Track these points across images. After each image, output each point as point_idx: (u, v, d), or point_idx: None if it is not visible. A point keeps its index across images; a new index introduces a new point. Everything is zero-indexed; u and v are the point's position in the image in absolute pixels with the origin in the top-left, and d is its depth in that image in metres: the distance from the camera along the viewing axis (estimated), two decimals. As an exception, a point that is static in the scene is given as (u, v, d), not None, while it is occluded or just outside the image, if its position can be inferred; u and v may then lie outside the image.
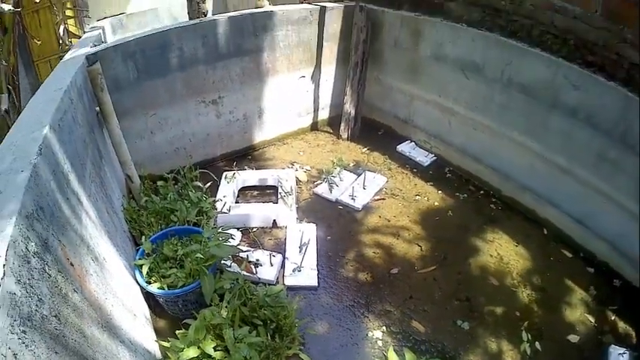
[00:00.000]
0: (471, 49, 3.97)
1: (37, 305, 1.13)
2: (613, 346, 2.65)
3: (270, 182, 3.71)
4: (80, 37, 5.97)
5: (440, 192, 3.93)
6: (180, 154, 3.83)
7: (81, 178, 2.07)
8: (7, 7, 4.39)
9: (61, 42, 5.82)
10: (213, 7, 6.38)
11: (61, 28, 5.68)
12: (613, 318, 3.03)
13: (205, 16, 3.89)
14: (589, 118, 3.28)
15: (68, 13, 5.94)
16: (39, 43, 5.75)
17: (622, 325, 2.95)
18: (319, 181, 3.90)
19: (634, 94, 3.04)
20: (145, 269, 2.43)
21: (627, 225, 3.19)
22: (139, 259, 2.51)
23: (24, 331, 1.02)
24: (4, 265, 1.02)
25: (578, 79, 3.32)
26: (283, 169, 4.02)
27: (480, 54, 3.92)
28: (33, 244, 1.25)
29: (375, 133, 4.82)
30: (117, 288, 2.04)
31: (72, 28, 5.99)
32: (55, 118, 1.92)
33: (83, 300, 1.52)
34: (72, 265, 1.53)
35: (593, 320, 2.97)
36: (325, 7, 4.33)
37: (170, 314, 2.60)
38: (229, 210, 3.20)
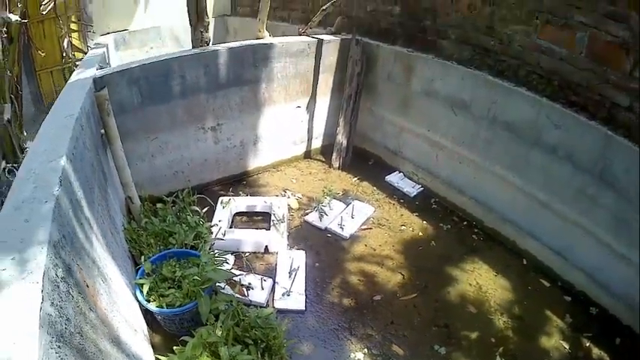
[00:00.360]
0: (460, 87, 4.15)
1: (65, 323, 1.31)
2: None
3: (264, 209, 3.88)
4: (83, 51, 6.15)
5: (425, 222, 4.09)
6: (179, 177, 4.00)
7: (90, 203, 2.24)
8: (14, 17, 4.54)
9: (64, 55, 5.97)
10: (214, 29, 6.58)
11: (65, 41, 5.85)
12: (588, 344, 3.18)
13: (208, 44, 4.06)
14: (569, 156, 3.47)
15: (73, 26, 6.13)
16: (43, 54, 5.91)
17: (596, 352, 3.12)
18: (310, 210, 4.05)
19: (613, 133, 3.22)
20: (145, 288, 2.60)
21: (605, 257, 3.36)
22: (140, 278, 2.67)
23: (59, 346, 1.20)
24: (42, 290, 1.20)
25: (560, 118, 3.51)
26: (277, 196, 4.19)
27: (468, 92, 4.11)
28: (60, 269, 1.43)
29: (366, 162, 5.00)
30: (121, 305, 2.21)
31: (75, 42, 6.17)
32: (70, 147, 2.09)
33: (97, 317, 1.70)
34: (87, 285, 1.71)
35: (567, 347, 3.11)
36: (322, 40, 4.55)
37: (165, 330, 2.75)
38: (224, 235, 3.37)
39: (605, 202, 3.30)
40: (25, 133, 5.40)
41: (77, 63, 6.13)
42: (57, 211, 1.58)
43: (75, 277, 1.58)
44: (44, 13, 4.92)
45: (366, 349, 2.80)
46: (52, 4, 4.89)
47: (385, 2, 4.82)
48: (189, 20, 4.01)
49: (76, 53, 6.13)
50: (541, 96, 3.70)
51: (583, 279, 3.60)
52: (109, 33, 6.22)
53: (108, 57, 5.26)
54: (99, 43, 5.78)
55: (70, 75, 6.31)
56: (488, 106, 3.97)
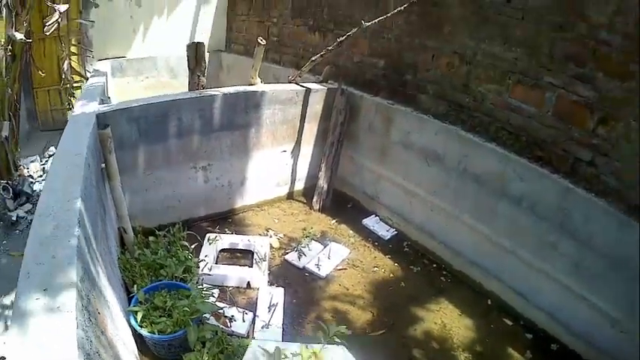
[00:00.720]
0: (435, 140, 4.45)
1: (89, 345, 1.59)
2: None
3: (247, 247, 4.16)
4: (81, 74, 6.42)
5: (396, 264, 4.38)
6: (170, 212, 4.26)
7: (97, 237, 2.53)
8: (19, 35, 4.77)
9: (63, 76, 6.18)
10: (209, 63, 6.87)
11: (65, 63, 6.08)
12: None
13: (204, 88, 4.36)
14: (532, 206, 3.75)
15: (73, 49, 6.37)
16: (43, 75, 6.13)
17: None
18: (290, 249, 4.32)
19: (574, 186, 3.56)
20: (139, 315, 2.86)
21: (565, 298, 3.65)
22: (134, 306, 2.94)
23: (87, 364, 1.49)
24: (75, 318, 1.50)
25: (525, 172, 3.81)
26: (260, 235, 4.47)
27: (441, 145, 4.41)
28: (84, 300, 1.71)
29: (345, 206, 5.30)
30: (121, 330, 2.48)
31: (74, 64, 6.41)
32: (82, 187, 2.37)
33: (106, 340, 1.97)
34: (98, 312, 1.98)
35: None
36: (310, 89, 4.90)
37: (154, 354, 3.00)
38: (210, 270, 3.65)
39: (565, 250, 3.60)
40: (19, 150, 5.61)
41: (74, 85, 6.40)
42: (78, 249, 1.87)
43: (92, 305, 1.86)
44: (47, 33, 5.13)
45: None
46: (55, 25, 5.11)
47: (371, 55, 5.18)
48: (188, 64, 4.31)
49: (74, 76, 6.37)
50: (509, 151, 4.00)
51: (544, 318, 3.84)
52: (107, 59, 6.52)
53: (107, 83, 5.55)
54: (98, 70, 6.09)
55: (67, 95, 6.57)
56: (459, 159, 4.27)
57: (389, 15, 4.63)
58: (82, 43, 6.39)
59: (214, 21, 7.40)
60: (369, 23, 4.67)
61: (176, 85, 6.99)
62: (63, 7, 5.05)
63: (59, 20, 5.09)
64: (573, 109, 3.73)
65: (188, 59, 4.26)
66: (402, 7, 4.55)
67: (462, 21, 4.34)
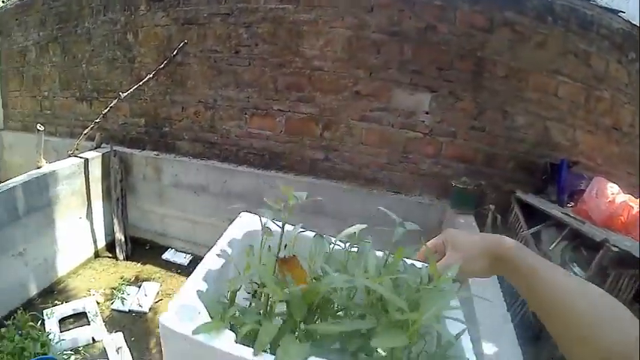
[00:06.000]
0: (198, 175, 5.41)
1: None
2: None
3: (80, 310, 4.72)
4: None
5: None
6: (5, 302, 4.54)
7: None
8: None
9: None
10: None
11: None
12: None
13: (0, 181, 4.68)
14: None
15: None
16: None
17: None
18: (113, 299, 4.96)
19: (316, 179, 4.93)
20: None
21: None
22: None
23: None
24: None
25: (273, 181, 4.98)
26: (85, 296, 4.99)
27: (204, 177, 5.38)
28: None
29: (144, 248, 6.06)
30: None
31: None
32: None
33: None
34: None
35: None
36: (88, 158, 5.45)
37: None
38: (60, 338, 4.35)
39: (324, 225, 5.15)
40: None
41: None
42: None
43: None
44: None
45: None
46: None
47: (133, 115, 6.04)
48: None
49: None
50: (258, 169, 5.20)
51: None
52: None
53: None
54: None
55: None
56: (221, 185, 5.31)
57: (141, 83, 5.53)
58: None
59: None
60: (126, 93, 5.58)
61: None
62: None
63: None
64: (301, 124, 4.95)
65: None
66: (152, 74, 5.58)
67: (201, 75, 5.41)
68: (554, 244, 3.80)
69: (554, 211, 3.98)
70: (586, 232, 3.52)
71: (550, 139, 4.72)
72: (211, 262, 1.18)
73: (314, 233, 1.24)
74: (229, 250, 1.22)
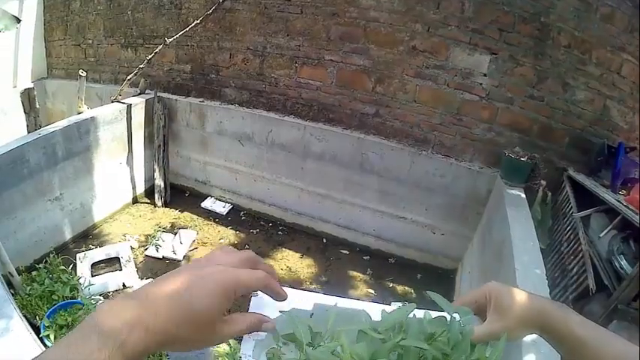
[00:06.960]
0: (243, 124, 5.32)
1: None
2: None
3: (113, 255, 4.74)
4: None
5: (238, 232, 5.34)
6: (40, 245, 4.57)
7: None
8: None
9: None
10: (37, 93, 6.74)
11: None
12: (391, 285, 4.50)
13: (41, 126, 4.63)
14: (333, 159, 4.84)
15: None
16: None
17: (400, 288, 4.44)
18: (148, 245, 4.97)
19: (364, 135, 4.73)
20: (52, 336, 3.58)
21: (383, 221, 4.86)
22: (44, 331, 3.67)
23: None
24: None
25: (320, 134, 4.87)
26: (120, 241, 5.02)
27: (249, 126, 5.29)
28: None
29: (183, 196, 6.05)
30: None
31: None
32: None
33: None
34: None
35: (373, 291, 4.36)
36: (131, 104, 5.38)
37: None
38: (90, 282, 4.38)
39: (370, 184, 4.79)
40: None
41: None
42: None
43: None
44: None
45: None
46: None
47: (178, 62, 5.87)
48: (23, 108, 4.57)
49: None
50: (305, 120, 5.05)
51: (373, 241, 5.00)
52: None
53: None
54: None
55: None
56: (266, 135, 5.23)
57: (188, 28, 5.28)
58: None
59: (34, 49, 7.17)
60: (172, 39, 5.36)
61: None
62: None
63: None
64: (353, 76, 4.77)
65: (23, 104, 4.61)
66: (199, 20, 5.30)
67: (251, 22, 5.17)
68: (604, 233, 3.41)
69: (608, 196, 3.60)
70: (638, 223, 3.11)
71: (609, 118, 4.30)
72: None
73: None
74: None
